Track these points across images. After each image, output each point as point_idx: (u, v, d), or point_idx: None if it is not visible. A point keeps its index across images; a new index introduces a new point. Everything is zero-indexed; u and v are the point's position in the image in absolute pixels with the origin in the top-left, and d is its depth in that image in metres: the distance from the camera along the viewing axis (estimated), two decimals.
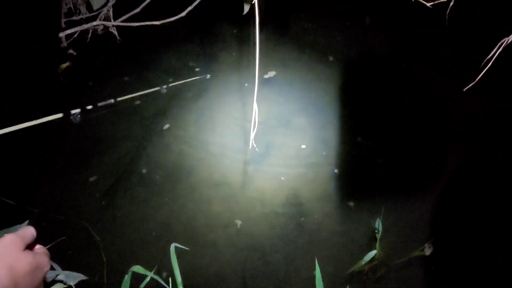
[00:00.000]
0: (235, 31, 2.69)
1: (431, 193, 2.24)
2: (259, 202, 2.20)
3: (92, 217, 2.09)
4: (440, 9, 1.64)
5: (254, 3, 1.79)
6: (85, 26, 2.35)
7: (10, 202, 2.03)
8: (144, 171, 2.26)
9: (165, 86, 2.32)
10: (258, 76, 1.70)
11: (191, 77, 2.52)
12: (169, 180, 2.25)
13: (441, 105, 2.57)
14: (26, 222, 1.46)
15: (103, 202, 2.16)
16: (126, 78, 2.58)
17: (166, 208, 2.17)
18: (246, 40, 2.63)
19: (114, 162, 2.29)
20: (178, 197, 2.21)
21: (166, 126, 2.41)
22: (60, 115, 1.99)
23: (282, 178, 2.28)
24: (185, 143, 2.38)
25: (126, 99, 2.05)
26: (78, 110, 1.97)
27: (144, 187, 2.23)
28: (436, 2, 1.54)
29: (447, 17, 1.63)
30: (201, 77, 2.47)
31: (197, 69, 2.59)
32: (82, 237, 2.03)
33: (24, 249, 0.84)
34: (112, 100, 2.04)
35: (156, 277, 1.56)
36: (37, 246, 0.92)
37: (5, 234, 0.83)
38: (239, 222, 2.14)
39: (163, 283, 1.58)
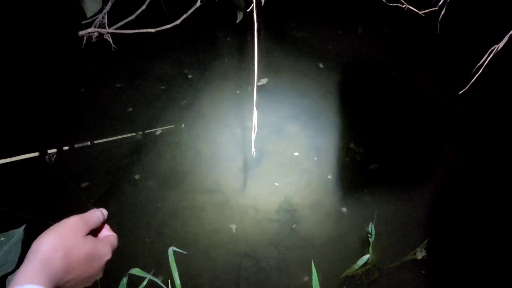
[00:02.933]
0: (228, 39, 2.72)
1: (423, 198, 2.28)
2: (253, 209, 2.22)
3: None
4: (432, 17, 1.69)
5: (250, 12, 1.82)
6: (79, 34, 2.35)
7: (3, 208, 2.00)
8: (137, 177, 2.26)
9: (140, 133, 2.32)
10: (254, 83, 1.72)
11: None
12: (163, 187, 2.25)
13: (432, 111, 2.63)
14: (23, 226, 1.45)
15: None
16: (118, 85, 2.59)
17: (160, 214, 2.17)
18: (239, 48, 2.66)
19: (108, 169, 2.28)
20: (171, 203, 2.21)
21: (159, 132, 2.41)
22: (36, 154, 1.96)
23: (276, 184, 2.30)
24: (178, 150, 2.38)
25: (102, 142, 2.04)
26: (54, 150, 1.94)
27: (138, 193, 2.23)
28: (428, 10, 1.59)
29: (438, 25, 1.68)
30: (175, 126, 2.47)
31: (190, 76, 2.61)
32: None
33: (87, 234, 0.81)
34: (88, 143, 2.03)
35: (155, 279, 1.55)
36: (106, 232, 0.89)
37: (72, 216, 0.79)
38: (233, 228, 2.15)
39: (162, 284, 1.58)
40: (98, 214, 0.87)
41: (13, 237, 1.40)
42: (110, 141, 2.08)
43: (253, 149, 1.80)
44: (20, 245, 1.42)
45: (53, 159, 1.91)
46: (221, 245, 2.11)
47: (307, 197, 2.27)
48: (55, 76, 2.55)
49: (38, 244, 0.73)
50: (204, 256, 2.06)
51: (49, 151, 1.87)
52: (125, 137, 2.22)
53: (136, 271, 1.53)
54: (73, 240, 0.78)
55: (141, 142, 2.36)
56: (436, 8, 1.59)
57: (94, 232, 0.84)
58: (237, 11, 2.41)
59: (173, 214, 2.18)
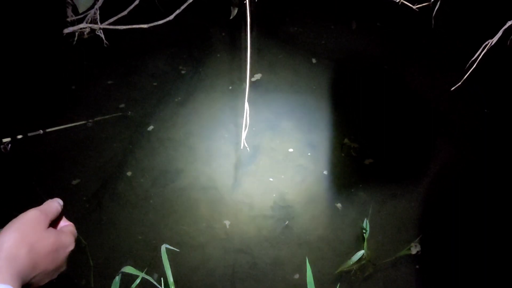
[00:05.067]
0: (222, 35, 2.70)
1: (418, 193, 2.28)
2: (247, 205, 2.21)
3: (77, 221, 2.05)
4: (426, 12, 1.69)
5: (243, 7, 1.81)
6: (70, 29, 2.33)
7: None
8: (129, 174, 2.24)
9: (90, 121, 2.30)
10: (247, 79, 1.72)
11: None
12: (156, 184, 2.24)
13: (427, 106, 2.63)
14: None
15: (87, 205, 2.13)
16: (110, 82, 2.56)
17: (153, 212, 2.15)
18: (232, 44, 2.64)
19: (100, 166, 2.26)
20: (164, 201, 2.19)
21: (151, 127, 2.40)
22: None
23: (271, 180, 2.29)
24: (171, 147, 2.36)
25: (54, 130, 2.03)
26: (8, 139, 1.89)
27: (130, 190, 2.21)
28: (422, 5, 1.59)
29: (433, 20, 1.68)
30: (123, 114, 2.45)
31: (183, 72, 2.59)
32: None
33: (48, 227, 0.79)
34: (41, 131, 2.00)
35: (148, 277, 1.54)
36: (64, 223, 0.88)
37: (30, 209, 0.78)
38: (227, 224, 2.14)
39: (155, 283, 1.56)
40: (56, 205, 0.84)
41: None
42: (61, 129, 2.05)
43: (245, 145, 1.79)
44: None
45: (8, 148, 1.86)
46: (215, 242, 2.10)
47: (302, 193, 2.27)
48: (45, 73, 2.52)
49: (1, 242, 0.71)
50: (198, 253, 2.05)
51: (4, 139, 1.83)
52: (76, 125, 2.19)
53: (128, 269, 1.52)
54: (36, 234, 0.76)
55: (94, 130, 2.33)
56: (430, 3, 1.59)
57: (52, 223, 0.82)
58: (231, 7, 2.41)
59: (167, 211, 2.17)
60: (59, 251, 0.79)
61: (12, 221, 0.75)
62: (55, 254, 0.78)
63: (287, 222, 2.17)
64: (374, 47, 2.86)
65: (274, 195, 2.25)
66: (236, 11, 2.38)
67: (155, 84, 2.53)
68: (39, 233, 0.77)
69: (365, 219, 2.10)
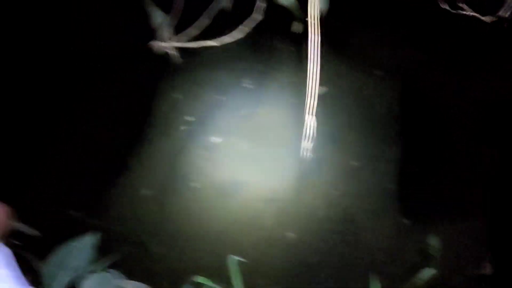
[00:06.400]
0: (286, 48, 2.72)
1: (491, 209, 2.17)
2: (311, 218, 2.21)
3: (144, 230, 2.16)
4: (498, 25, 1.61)
5: (309, 21, 1.83)
6: (150, 45, 2.46)
7: (72, 213, 2.13)
8: (195, 185, 2.32)
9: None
10: (312, 92, 1.74)
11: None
12: (220, 195, 2.29)
13: (493, 122, 2.50)
14: (95, 235, 1.54)
15: (154, 216, 2.23)
16: (177, 95, 2.66)
17: (217, 223, 2.21)
18: (298, 58, 2.65)
19: (166, 177, 2.35)
20: (229, 212, 2.24)
21: (216, 140, 2.46)
22: None
23: (334, 193, 2.28)
24: (236, 159, 2.42)
25: None
26: None
27: (196, 201, 2.28)
28: (494, 18, 1.52)
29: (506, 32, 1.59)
30: None
31: (249, 86, 2.63)
32: (140, 250, 2.10)
33: None
34: None
35: (217, 287, 1.59)
36: None
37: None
38: (290, 237, 2.15)
39: None
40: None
41: (85, 243, 1.50)
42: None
43: (309, 158, 1.81)
44: (93, 250, 1.51)
45: None
46: (278, 254, 2.12)
47: (366, 207, 2.24)
48: (112, 87, 2.65)
49: None
50: (261, 264, 2.08)
51: None
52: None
53: (200, 279, 1.58)
54: None
55: (161, 141, 2.43)
56: (505, 15, 1.51)
57: None
58: (296, 20, 2.44)
59: (231, 222, 2.22)
60: None
61: None
62: None
63: (352, 235, 2.15)
64: (442, 60, 2.75)
65: (337, 208, 2.23)
66: (301, 26, 2.41)
67: (221, 98, 2.60)
68: None
69: (434, 236, 2.04)
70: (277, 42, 2.62)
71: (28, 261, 1.66)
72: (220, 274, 1.97)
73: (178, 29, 2.50)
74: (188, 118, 2.53)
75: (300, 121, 2.42)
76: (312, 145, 1.74)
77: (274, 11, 2.48)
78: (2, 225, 1.00)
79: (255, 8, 2.29)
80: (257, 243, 2.15)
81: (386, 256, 2.11)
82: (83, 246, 1.48)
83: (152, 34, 2.50)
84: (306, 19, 1.83)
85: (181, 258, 2.09)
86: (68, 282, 1.41)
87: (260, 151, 2.45)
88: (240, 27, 2.34)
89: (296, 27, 2.43)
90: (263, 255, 2.11)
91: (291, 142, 2.44)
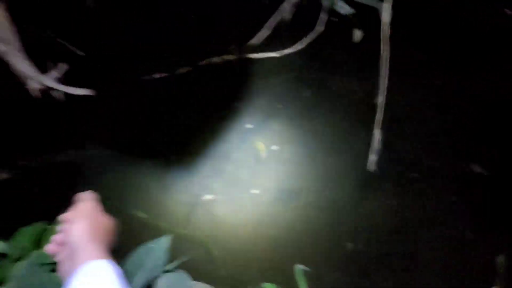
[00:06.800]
0: (346, 57, 2.73)
1: None
2: (370, 229, 2.22)
3: (210, 234, 2.24)
4: None
5: (371, 31, 1.85)
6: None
7: (142, 215, 2.24)
8: (255, 191, 2.37)
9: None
10: (378, 102, 1.75)
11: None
12: (278, 202, 2.34)
13: None
14: (167, 237, 1.62)
15: (216, 220, 2.30)
16: (236, 104, 2.73)
17: (275, 229, 2.25)
18: (359, 67, 2.67)
19: (227, 182, 2.42)
20: (286, 219, 2.28)
21: (274, 147, 2.51)
22: None
23: (395, 204, 2.27)
24: (294, 166, 2.46)
25: None
26: None
27: (255, 207, 2.34)
28: None
29: None
30: None
31: (307, 94, 2.67)
32: (204, 253, 2.18)
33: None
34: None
35: None
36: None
37: (87, 198, 1.12)
38: (348, 246, 2.16)
39: None
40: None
41: (161, 244, 1.58)
42: None
43: (372, 169, 1.81)
44: (167, 251, 1.59)
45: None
46: (336, 264, 2.13)
47: (429, 220, 2.22)
48: (183, 97, 2.75)
49: (76, 231, 0.99)
50: (321, 273, 2.10)
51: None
52: None
53: (267, 285, 1.62)
54: (94, 215, 1.07)
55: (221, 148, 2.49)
56: None
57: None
58: (354, 29, 2.46)
59: (288, 230, 2.25)
60: (110, 234, 1.08)
61: (76, 208, 1.07)
62: (107, 234, 1.06)
63: (414, 248, 2.13)
64: None
65: (398, 220, 2.23)
66: (360, 34, 2.42)
67: (279, 106, 2.65)
68: (96, 215, 1.07)
69: (501, 253, 1.98)
70: (337, 50, 2.63)
71: None
72: (279, 280, 2.03)
73: (240, 40, 2.58)
74: (247, 125, 2.60)
75: (361, 132, 2.43)
76: (376, 156, 1.75)
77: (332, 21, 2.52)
78: (110, 236, 1.11)
79: (318, 21, 2.32)
80: (316, 251, 2.17)
81: (447, 271, 2.08)
82: (159, 247, 1.56)
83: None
84: (366, 29, 1.85)
85: (243, 263, 2.15)
86: (145, 281, 1.50)
87: (317, 159, 2.49)
88: (303, 39, 2.38)
89: (357, 36, 2.44)
90: (321, 264, 2.13)
91: (351, 152, 2.46)
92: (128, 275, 1.50)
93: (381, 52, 1.66)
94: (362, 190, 2.35)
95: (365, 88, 2.46)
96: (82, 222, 1.00)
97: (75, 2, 2.29)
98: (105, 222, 1.07)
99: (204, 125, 2.59)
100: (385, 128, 2.42)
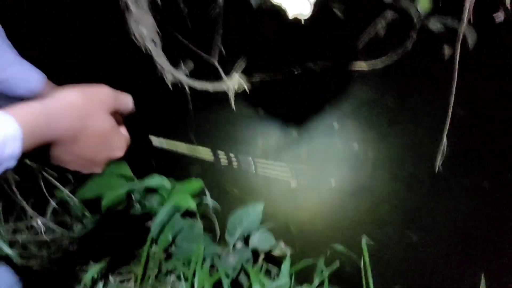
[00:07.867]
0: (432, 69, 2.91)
1: None
2: (434, 226, 2.51)
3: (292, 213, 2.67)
4: None
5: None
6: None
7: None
8: (334, 184, 2.75)
9: None
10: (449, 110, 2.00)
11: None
12: (354, 196, 2.72)
13: None
14: (261, 204, 2.09)
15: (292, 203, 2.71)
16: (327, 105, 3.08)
17: (350, 218, 2.62)
18: (438, 80, 2.84)
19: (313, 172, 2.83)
20: (360, 212, 2.66)
21: (357, 146, 2.84)
22: None
23: (456, 208, 2.53)
24: (372, 164, 2.78)
25: None
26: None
27: (333, 200, 2.74)
28: None
29: None
30: None
31: (389, 105, 2.96)
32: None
33: (110, 112, 0.70)
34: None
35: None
36: (123, 129, 0.78)
37: (104, 85, 0.71)
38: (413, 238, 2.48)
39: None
40: (130, 100, 0.74)
41: (256, 208, 2.06)
42: None
43: (439, 172, 2.05)
44: (260, 214, 2.06)
45: None
46: (401, 252, 2.46)
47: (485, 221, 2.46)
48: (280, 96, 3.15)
49: (59, 93, 0.64)
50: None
51: None
52: None
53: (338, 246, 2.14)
54: (96, 108, 0.66)
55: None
56: None
57: (115, 115, 0.73)
58: (445, 46, 2.64)
59: (360, 220, 2.64)
60: (105, 145, 0.69)
61: (81, 85, 0.68)
62: (99, 143, 0.68)
63: (468, 247, 2.40)
64: None
65: (457, 222, 2.51)
66: (449, 50, 2.60)
67: (363, 110, 2.99)
68: (100, 110, 0.67)
69: None
70: (420, 63, 2.82)
71: None
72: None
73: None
74: (335, 124, 2.96)
75: (433, 139, 2.65)
76: (443, 162, 2.02)
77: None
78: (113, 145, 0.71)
79: (408, 39, 2.59)
80: (383, 241, 2.50)
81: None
82: (255, 210, 2.03)
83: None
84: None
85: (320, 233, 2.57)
86: (243, 235, 1.98)
87: (392, 160, 2.80)
88: (392, 53, 2.67)
89: (447, 51, 2.63)
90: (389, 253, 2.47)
91: (424, 157, 2.70)
92: (231, 229, 1.99)
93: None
94: (428, 195, 2.63)
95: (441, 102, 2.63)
96: (75, 92, 0.65)
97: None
98: (94, 133, 0.66)
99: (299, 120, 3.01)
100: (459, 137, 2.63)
